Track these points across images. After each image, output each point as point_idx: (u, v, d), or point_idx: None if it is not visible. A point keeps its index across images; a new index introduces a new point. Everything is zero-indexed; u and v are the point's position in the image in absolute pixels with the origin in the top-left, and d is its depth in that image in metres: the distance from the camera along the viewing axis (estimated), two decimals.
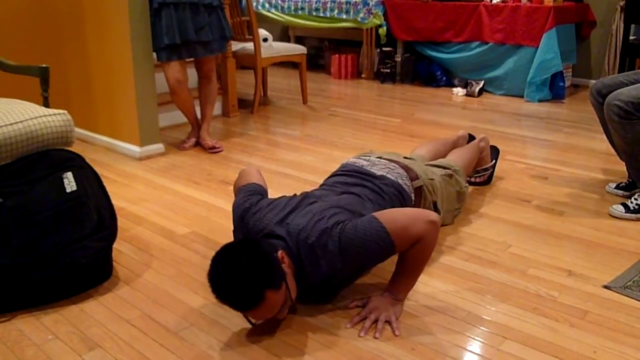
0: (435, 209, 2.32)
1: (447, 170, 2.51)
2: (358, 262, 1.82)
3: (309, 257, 1.78)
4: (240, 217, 1.99)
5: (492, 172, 2.99)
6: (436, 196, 2.34)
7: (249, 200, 2.00)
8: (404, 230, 1.76)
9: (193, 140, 3.76)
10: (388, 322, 1.82)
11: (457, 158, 2.69)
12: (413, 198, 2.22)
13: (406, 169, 2.26)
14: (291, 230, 1.81)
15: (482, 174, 2.95)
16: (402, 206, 2.13)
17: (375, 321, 1.82)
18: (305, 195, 2.00)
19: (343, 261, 1.75)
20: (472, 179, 2.95)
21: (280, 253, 1.74)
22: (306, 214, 1.85)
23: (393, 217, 1.79)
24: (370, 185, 2.09)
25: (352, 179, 2.14)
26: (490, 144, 3.01)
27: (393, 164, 2.26)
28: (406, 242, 1.78)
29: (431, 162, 2.60)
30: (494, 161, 3.00)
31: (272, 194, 2.20)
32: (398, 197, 2.12)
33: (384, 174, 2.18)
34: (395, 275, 1.91)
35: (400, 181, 2.18)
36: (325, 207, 1.87)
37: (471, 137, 3.03)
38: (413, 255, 1.83)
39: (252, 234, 1.91)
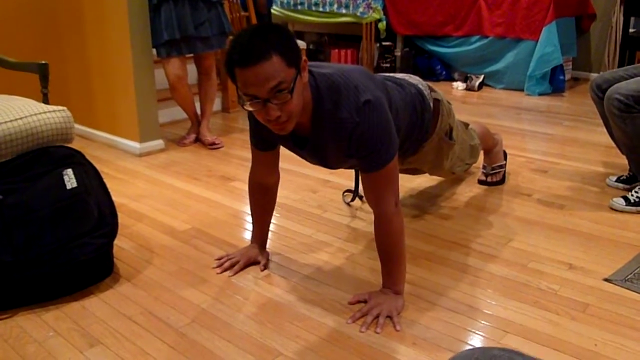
0: (450, 135, 2.32)
1: (463, 123, 2.53)
2: (366, 134, 1.74)
3: (331, 95, 1.72)
4: None
5: (505, 171, 2.97)
6: (453, 123, 2.34)
7: None
8: (393, 180, 1.82)
9: (193, 136, 3.76)
10: (389, 317, 1.82)
11: (472, 123, 2.71)
12: (432, 107, 2.19)
13: (427, 84, 2.27)
14: (325, 70, 1.77)
15: (497, 170, 2.92)
16: (421, 107, 2.11)
17: (377, 316, 1.82)
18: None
19: (360, 118, 1.71)
20: (487, 179, 2.93)
21: (305, 60, 1.66)
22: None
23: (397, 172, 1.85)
24: (392, 82, 2.07)
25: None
26: None
27: (415, 77, 2.27)
28: (382, 186, 1.81)
29: None
30: (505, 161, 2.98)
31: (277, 192, 2.20)
32: (417, 96, 2.11)
33: (406, 78, 2.19)
34: (383, 270, 1.93)
35: (420, 85, 2.18)
36: (363, 78, 1.81)
37: None
38: (387, 243, 1.88)
39: None
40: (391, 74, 2.23)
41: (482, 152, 2.84)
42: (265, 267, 2.15)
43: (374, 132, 1.73)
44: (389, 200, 1.83)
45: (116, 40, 3.38)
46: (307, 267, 2.18)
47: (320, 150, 1.87)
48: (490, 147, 2.88)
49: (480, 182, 2.93)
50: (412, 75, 2.26)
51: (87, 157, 2.24)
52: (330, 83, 1.74)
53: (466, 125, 2.56)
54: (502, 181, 2.95)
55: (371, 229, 2.44)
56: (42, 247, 1.91)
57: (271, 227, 2.30)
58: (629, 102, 2.46)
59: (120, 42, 3.35)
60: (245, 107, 1.64)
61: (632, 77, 2.63)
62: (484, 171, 2.93)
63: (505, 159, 2.98)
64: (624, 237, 2.37)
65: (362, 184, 1.89)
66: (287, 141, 1.89)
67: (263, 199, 2.19)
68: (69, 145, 2.22)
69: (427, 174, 2.68)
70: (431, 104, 2.19)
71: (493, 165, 2.91)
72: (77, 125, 2.28)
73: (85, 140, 3.75)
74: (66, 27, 3.72)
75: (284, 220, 2.57)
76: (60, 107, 2.21)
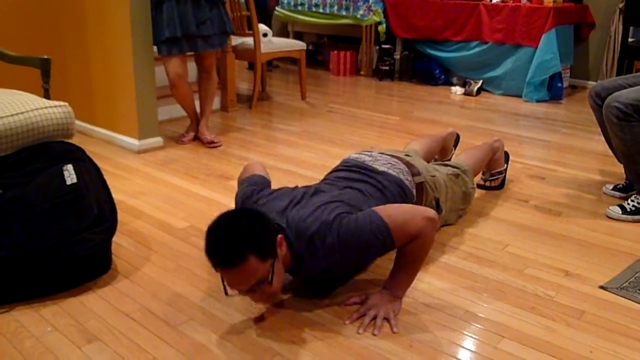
0: (437, 206, 2.33)
1: (454, 170, 2.51)
2: (356, 255, 1.83)
3: (308, 249, 1.79)
4: (242, 205, 2.02)
5: (505, 177, 2.99)
6: (438, 193, 2.35)
7: (252, 189, 2.04)
8: (403, 225, 1.77)
9: (192, 134, 3.76)
10: (386, 319, 1.83)
11: (468, 157, 2.69)
12: (415, 194, 2.22)
13: (408, 165, 2.27)
14: (291, 221, 1.82)
15: (496, 177, 2.93)
16: (403, 202, 2.13)
17: (374, 318, 1.83)
18: (308, 188, 2.02)
19: (341, 253, 1.77)
20: (486, 183, 2.95)
21: (280, 237, 1.75)
22: (307, 205, 1.86)
23: (393, 212, 1.81)
24: (372, 181, 2.10)
25: (354, 175, 2.15)
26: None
27: (395, 159, 2.27)
28: (404, 237, 1.79)
29: (440, 162, 2.62)
30: (506, 165, 3.00)
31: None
32: (400, 193, 2.13)
33: (386, 169, 2.18)
34: (393, 272, 1.92)
35: (402, 177, 2.18)
36: (327, 200, 1.88)
37: (457, 138, 3.07)
38: (411, 251, 1.84)
39: None
40: (372, 161, 2.22)
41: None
42: None
43: (360, 247, 1.78)
44: (412, 222, 1.79)
45: (117, 36, 3.38)
46: None
47: (313, 276, 1.96)
48: (488, 162, 2.88)
49: (479, 186, 2.94)
50: (394, 162, 2.24)
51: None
52: (303, 239, 1.79)
53: (456, 175, 2.50)
54: (501, 186, 2.96)
55: None
56: (41, 242, 1.91)
57: None
58: (627, 111, 2.48)
59: (122, 38, 3.35)
60: (231, 295, 1.79)
61: (631, 86, 2.64)
62: (484, 177, 2.94)
63: (507, 162, 2.99)
64: (619, 245, 2.38)
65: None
66: None
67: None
68: (70, 140, 2.22)
69: None
70: (414, 192, 2.22)
71: (492, 172, 2.92)
72: (76, 121, 2.27)
73: (84, 136, 3.74)
74: (67, 23, 3.71)
75: None
76: (61, 103, 2.21)
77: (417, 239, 1.81)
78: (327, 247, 1.76)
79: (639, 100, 2.47)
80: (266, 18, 5.93)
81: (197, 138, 3.75)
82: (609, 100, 2.56)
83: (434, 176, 2.35)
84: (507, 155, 3.00)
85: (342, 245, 1.76)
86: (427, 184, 2.29)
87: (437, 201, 2.34)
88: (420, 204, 2.22)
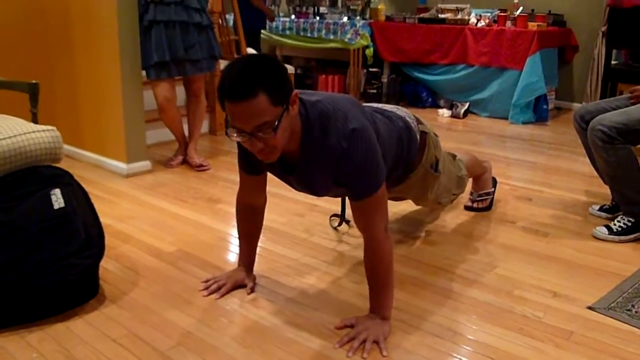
0: (436, 166, 2.34)
1: (451, 153, 2.55)
2: (354, 162, 1.77)
3: (320, 121, 1.75)
4: None
5: (492, 198, 3.01)
6: (439, 154, 2.36)
7: None
8: (382, 207, 1.85)
9: (180, 158, 3.76)
10: (376, 342, 1.82)
11: (461, 153, 2.74)
12: (418, 139, 2.22)
13: (415, 116, 2.29)
14: (314, 98, 1.80)
15: (484, 197, 2.96)
16: (408, 139, 2.14)
17: (364, 341, 1.82)
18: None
19: (348, 145, 1.73)
20: (474, 205, 2.97)
21: (295, 93, 1.69)
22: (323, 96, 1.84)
23: (385, 196, 1.86)
24: (380, 114, 2.10)
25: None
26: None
27: (401, 108, 2.29)
28: (372, 212, 1.83)
29: None
30: (493, 188, 3.01)
31: (264, 214, 2.21)
32: (405, 129, 2.13)
33: (394, 110, 2.21)
34: (371, 295, 1.93)
35: (408, 118, 2.20)
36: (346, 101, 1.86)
37: None
38: (376, 271, 1.89)
39: None
40: (379, 105, 2.27)
41: (470, 179, 2.87)
42: (252, 290, 2.15)
43: (362, 160, 1.76)
44: (379, 225, 1.85)
45: (106, 61, 3.40)
46: (294, 291, 2.18)
47: (307, 177, 1.89)
48: (479, 174, 2.92)
49: (467, 207, 2.96)
50: (399, 107, 2.29)
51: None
52: (319, 111, 1.77)
53: (453, 156, 2.60)
54: (488, 208, 2.98)
55: (357, 253, 2.46)
56: (27, 267, 1.89)
57: (258, 250, 2.30)
58: (611, 134, 2.51)
59: (110, 62, 3.36)
60: (231, 138, 1.68)
61: (614, 109, 2.68)
62: (471, 197, 2.96)
63: (495, 186, 3.02)
64: (606, 266, 2.40)
65: (352, 212, 1.91)
66: (275, 168, 1.91)
67: (250, 221, 2.20)
68: (57, 164, 2.22)
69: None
70: (418, 137, 2.23)
71: (480, 192, 2.94)
72: (64, 145, 2.27)
73: (71, 160, 3.73)
74: (56, 47, 3.72)
75: (270, 244, 2.57)
76: (49, 127, 2.21)
77: (372, 245, 1.86)
78: (338, 133, 1.73)
79: (623, 123, 2.51)
80: (255, 43, 5.98)
81: (185, 162, 3.75)
82: (593, 123, 2.60)
83: (437, 136, 2.38)
84: (494, 180, 3.03)
85: (350, 150, 1.73)
86: (430, 138, 2.29)
87: (437, 162, 2.35)
88: (421, 157, 2.25)
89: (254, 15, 6.03)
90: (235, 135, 1.66)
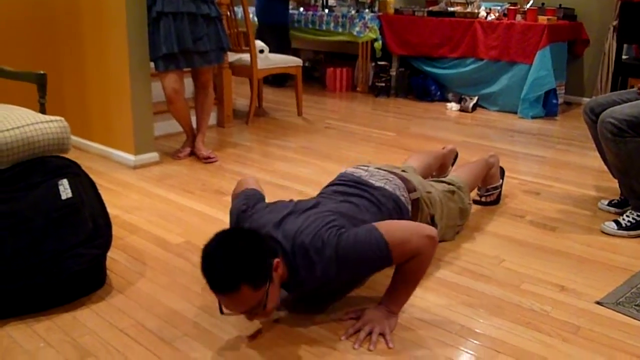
0: (433, 223, 2.33)
1: (450, 187, 2.51)
2: (353, 270, 1.83)
3: (303, 261, 1.77)
4: (237, 220, 2.02)
5: (500, 192, 2.99)
6: (434, 210, 2.34)
7: (246, 203, 2.03)
8: (402, 242, 1.77)
9: (188, 149, 3.76)
10: (382, 334, 1.82)
11: (463, 173, 2.69)
12: (410, 210, 2.22)
13: (404, 180, 2.27)
14: (287, 233, 1.81)
15: (491, 192, 2.94)
16: (399, 218, 2.13)
17: (370, 333, 1.82)
18: (304, 201, 2.01)
19: (338, 267, 1.75)
20: (482, 199, 2.95)
21: (276, 261, 1.73)
22: (303, 217, 1.85)
23: (393, 228, 1.80)
24: (368, 196, 2.09)
25: (350, 189, 2.14)
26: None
27: (391, 175, 2.27)
28: (404, 254, 1.78)
29: (435, 179, 2.62)
30: (501, 180, 2.99)
31: None
32: (395, 209, 2.13)
33: (383, 185, 2.18)
34: (391, 288, 1.91)
35: (398, 193, 2.18)
36: (323, 211, 1.88)
37: (456, 156, 3.07)
38: (410, 269, 1.83)
39: None
40: (369, 176, 2.22)
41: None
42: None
43: (359, 258, 1.76)
44: (412, 240, 1.79)
45: (114, 52, 3.40)
46: None
47: (307, 294, 1.96)
48: (483, 178, 2.88)
49: (475, 202, 2.94)
50: (389, 179, 2.23)
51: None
52: (299, 247, 1.78)
53: (452, 191, 2.50)
54: (496, 201, 2.96)
55: None
56: (35, 257, 1.90)
57: None
58: (622, 127, 2.49)
59: (118, 54, 3.36)
60: (224, 313, 1.77)
61: (625, 102, 2.66)
62: (479, 192, 2.95)
63: (503, 177, 3.00)
64: (615, 261, 2.38)
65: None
66: None
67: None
68: (65, 155, 2.22)
69: None
70: (409, 207, 2.22)
71: (488, 187, 2.93)
72: (72, 136, 2.27)
73: (79, 151, 3.74)
74: (64, 38, 3.73)
75: None
76: (57, 117, 2.22)
77: (416, 257, 1.80)
78: (325, 260, 1.75)
79: (633, 115, 2.49)
80: (283, 39, 5.96)
81: (193, 153, 3.75)
82: (603, 115, 2.57)
83: (429, 192, 2.35)
84: (502, 170, 3.01)
85: (340, 259, 1.74)
86: (422, 201, 2.29)
87: (432, 218, 2.34)
88: (415, 220, 2.22)
89: (279, 7, 5.98)
90: (229, 312, 1.75)
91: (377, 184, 2.18)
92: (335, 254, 1.74)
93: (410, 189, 2.26)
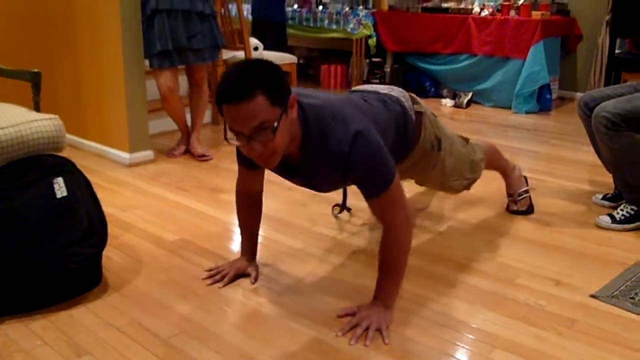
0: (439, 144, 2.29)
1: (464, 138, 2.51)
2: (362, 162, 1.77)
3: (318, 125, 1.75)
4: None
5: (530, 197, 2.84)
6: (439, 132, 2.31)
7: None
8: (398, 199, 1.82)
9: (183, 147, 3.76)
10: (378, 330, 1.82)
11: (480, 142, 2.67)
12: (414, 119, 2.19)
13: (410, 95, 2.27)
14: (304, 102, 1.78)
15: (523, 196, 2.80)
16: (404, 122, 2.12)
17: (366, 329, 1.82)
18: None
19: (351, 148, 1.72)
20: (515, 208, 2.80)
21: (293, 97, 1.68)
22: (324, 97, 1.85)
23: (401, 188, 1.85)
24: (375, 96, 2.10)
25: (357, 94, 2.14)
26: None
27: (396, 88, 2.27)
28: (385, 208, 1.83)
29: None
30: (527, 187, 2.85)
31: (262, 201, 2.21)
32: (401, 113, 2.11)
33: (388, 91, 2.20)
34: (378, 281, 1.93)
35: (402, 99, 2.18)
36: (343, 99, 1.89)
37: None
38: (387, 259, 1.89)
39: None
40: (373, 87, 2.25)
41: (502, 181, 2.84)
42: (256, 279, 2.15)
43: (367, 161, 1.76)
44: (399, 216, 1.84)
45: (108, 50, 3.39)
46: (296, 279, 2.18)
47: (311, 179, 1.92)
48: (504, 168, 2.79)
49: (512, 211, 2.81)
50: (394, 87, 2.27)
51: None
52: (318, 115, 1.76)
53: (466, 140, 2.51)
54: (531, 210, 2.82)
55: (360, 241, 2.47)
56: (30, 256, 1.90)
57: (260, 239, 2.31)
58: (616, 120, 2.50)
59: (113, 52, 3.36)
60: (230, 142, 1.68)
61: (619, 96, 2.67)
62: (511, 198, 2.82)
63: (527, 184, 2.88)
64: (609, 255, 2.39)
65: (370, 208, 1.91)
66: (277, 168, 1.90)
67: (251, 208, 2.20)
68: (60, 153, 2.22)
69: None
70: (414, 117, 2.20)
71: (519, 191, 2.80)
72: (67, 134, 2.27)
73: (74, 149, 3.73)
74: (58, 36, 3.72)
75: (273, 233, 2.57)
76: (51, 116, 2.21)
77: (390, 238, 1.85)
78: (338, 137, 1.73)
79: (627, 109, 2.50)
80: (280, 37, 5.91)
81: (188, 151, 3.75)
82: (597, 110, 2.58)
83: (436, 116, 2.35)
84: (525, 179, 2.90)
85: (356, 141, 1.73)
86: (426, 117, 2.26)
87: (439, 140, 2.29)
88: (419, 138, 2.21)
89: (276, 4, 5.94)
90: (234, 139, 1.66)
91: (383, 90, 2.20)
92: (352, 136, 1.72)
93: (415, 101, 2.25)
